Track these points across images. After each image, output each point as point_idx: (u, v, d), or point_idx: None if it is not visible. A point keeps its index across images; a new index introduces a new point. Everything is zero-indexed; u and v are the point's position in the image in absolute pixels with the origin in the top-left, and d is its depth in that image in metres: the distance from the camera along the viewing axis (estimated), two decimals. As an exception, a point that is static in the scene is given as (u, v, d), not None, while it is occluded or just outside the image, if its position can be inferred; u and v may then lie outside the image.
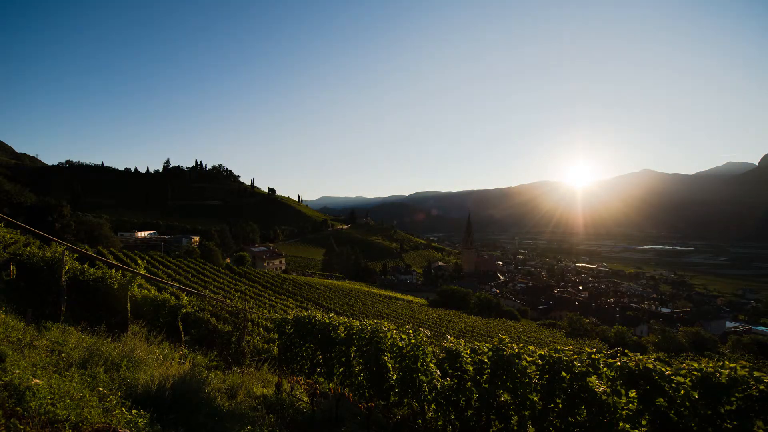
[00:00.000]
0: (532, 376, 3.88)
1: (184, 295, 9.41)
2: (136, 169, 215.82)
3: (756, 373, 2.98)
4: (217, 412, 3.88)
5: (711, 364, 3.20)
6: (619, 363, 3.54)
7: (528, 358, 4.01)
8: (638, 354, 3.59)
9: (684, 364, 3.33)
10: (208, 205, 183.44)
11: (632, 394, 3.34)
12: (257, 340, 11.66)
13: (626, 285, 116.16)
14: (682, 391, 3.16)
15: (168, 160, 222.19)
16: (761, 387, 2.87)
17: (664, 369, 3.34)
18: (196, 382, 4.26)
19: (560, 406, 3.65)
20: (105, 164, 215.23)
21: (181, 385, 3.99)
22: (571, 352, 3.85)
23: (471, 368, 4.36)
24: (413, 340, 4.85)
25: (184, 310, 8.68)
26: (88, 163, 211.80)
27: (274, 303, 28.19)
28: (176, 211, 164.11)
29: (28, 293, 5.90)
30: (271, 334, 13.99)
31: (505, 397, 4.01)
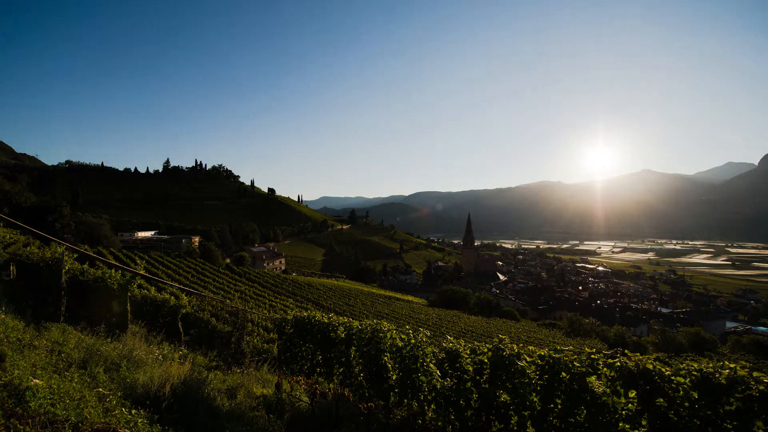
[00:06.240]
0: (532, 376, 3.89)
1: (183, 295, 9.41)
2: (136, 169, 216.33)
3: (756, 374, 2.98)
4: (217, 412, 3.88)
5: (711, 365, 3.21)
6: (618, 363, 3.54)
7: (528, 359, 4.01)
8: (638, 354, 3.59)
9: (684, 365, 3.33)
10: (208, 205, 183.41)
11: (632, 394, 3.35)
12: (257, 340, 11.66)
13: (626, 285, 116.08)
14: (682, 392, 3.16)
15: (168, 160, 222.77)
16: (761, 387, 2.87)
17: (663, 369, 3.34)
18: (195, 383, 4.25)
19: (560, 406, 3.66)
20: (105, 164, 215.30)
21: (180, 386, 3.99)
22: (571, 353, 3.85)
23: (471, 368, 4.35)
24: (413, 341, 4.84)
25: (184, 310, 8.69)
26: (88, 163, 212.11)
27: (274, 303, 28.17)
28: (176, 211, 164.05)
29: (28, 293, 5.89)
30: (271, 334, 13.99)
31: (504, 397, 4.01)
